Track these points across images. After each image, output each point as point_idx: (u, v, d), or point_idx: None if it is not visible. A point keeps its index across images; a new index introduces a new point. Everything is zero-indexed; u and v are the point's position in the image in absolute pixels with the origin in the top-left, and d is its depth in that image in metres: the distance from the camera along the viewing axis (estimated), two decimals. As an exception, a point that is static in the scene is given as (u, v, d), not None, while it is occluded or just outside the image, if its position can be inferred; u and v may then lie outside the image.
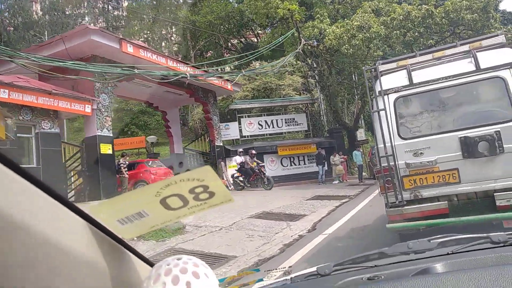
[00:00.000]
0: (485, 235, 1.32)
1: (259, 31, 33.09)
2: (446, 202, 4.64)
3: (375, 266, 1.32)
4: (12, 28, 32.74)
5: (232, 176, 17.12)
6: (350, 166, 20.06)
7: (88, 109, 12.68)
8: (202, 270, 0.73)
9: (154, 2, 35.46)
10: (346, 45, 15.48)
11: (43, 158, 11.55)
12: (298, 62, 20.79)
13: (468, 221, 4.30)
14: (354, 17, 16.09)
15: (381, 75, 5.22)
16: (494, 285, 0.83)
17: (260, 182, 16.35)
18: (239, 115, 21.84)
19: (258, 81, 24.31)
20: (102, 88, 13.41)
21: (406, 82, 4.95)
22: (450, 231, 1.47)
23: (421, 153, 4.75)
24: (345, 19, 17.25)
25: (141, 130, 30.67)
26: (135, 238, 6.81)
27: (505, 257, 1.17)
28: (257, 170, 16.42)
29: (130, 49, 13.23)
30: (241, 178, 16.74)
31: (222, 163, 18.37)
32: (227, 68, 25.08)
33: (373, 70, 5.49)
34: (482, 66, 4.64)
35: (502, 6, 27.61)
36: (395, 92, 4.98)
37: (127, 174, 14.69)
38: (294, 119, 22.64)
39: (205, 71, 15.30)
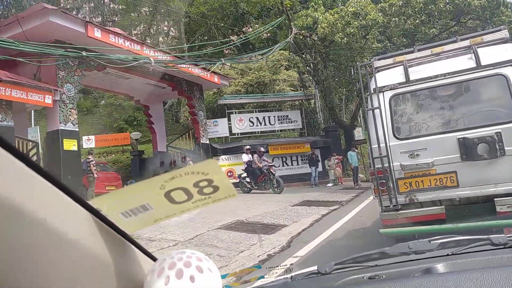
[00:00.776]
0: (485, 237, 1.31)
1: (256, 25, 31.64)
2: (443, 207, 4.46)
3: (376, 265, 1.32)
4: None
5: (239, 176, 15.34)
6: (346, 168, 18.55)
7: (48, 100, 11.27)
8: (206, 264, 0.72)
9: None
10: (340, 34, 13.94)
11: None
12: (296, 57, 19.31)
13: (466, 228, 4.07)
14: (349, 3, 14.55)
15: (377, 72, 5.01)
16: (496, 286, 0.83)
17: (269, 184, 14.50)
18: (228, 111, 20.43)
19: (251, 75, 22.89)
20: (67, 77, 11.99)
21: (403, 79, 4.73)
22: (449, 233, 1.47)
23: (417, 154, 4.54)
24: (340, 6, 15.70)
25: (131, 126, 29.27)
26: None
27: (506, 259, 1.17)
28: (265, 171, 14.53)
29: (97, 33, 11.81)
30: (247, 179, 14.93)
31: (191, 162, 16.77)
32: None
33: (368, 66, 5.30)
34: (483, 63, 4.42)
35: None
36: (390, 89, 4.77)
37: (96, 173, 13.30)
38: (287, 116, 21.19)
39: (177, 57, 13.65)
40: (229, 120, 19.95)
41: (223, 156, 18.09)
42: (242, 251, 6.30)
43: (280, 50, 21.98)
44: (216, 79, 17.43)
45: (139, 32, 33.33)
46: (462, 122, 4.51)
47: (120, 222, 0.69)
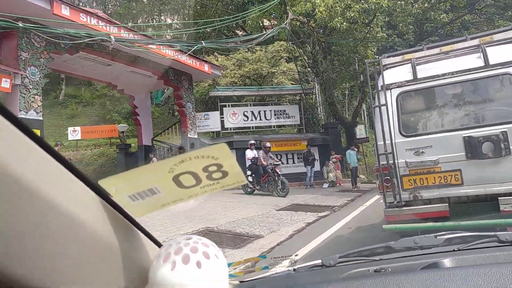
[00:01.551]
0: (492, 233, 1.31)
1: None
2: (447, 204, 4.53)
3: (381, 259, 1.31)
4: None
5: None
6: (346, 168, 17.12)
7: (6, 84, 10.02)
8: (213, 250, 0.72)
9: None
10: (339, 18, 12.47)
11: None
12: (293, 46, 17.83)
13: (469, 226, 3.81)
14: (349, -17, 13.05)
15: (385, 69, 5.04)
16: (504, 282, 0.82)
17: (273, 186, 12.48)
18: (221, 103, 19.07)
19: (248, 67, 21.48)
20: (31, 60, 10.72)
21: (410, 77, 4.80)
22: (453, 230, 1.47)
23: (422, 152, 4.62)
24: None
25: (124, 118, 28.05)
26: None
27: None
28: (269, 170, 12.55)
29: (65, 11, 10.52)
30: (250, 179, 12.89)
31: (154, 158, 15.44)
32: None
33: (375, 63, 5.32)
34: (491, 62, 4.45)
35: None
36: (398, 87, 4.84)
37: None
38: (285, 111, 19.75)
39: (146, 35, 12.19)
40: (221, 113, 18.58)
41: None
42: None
43: (279, 41, 20.66)
44: (206, 68, 16.10)
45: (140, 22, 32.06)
46: (468, 120, 4.54)
47: (127, 205, 0.69)
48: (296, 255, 1.61)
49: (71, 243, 0.54)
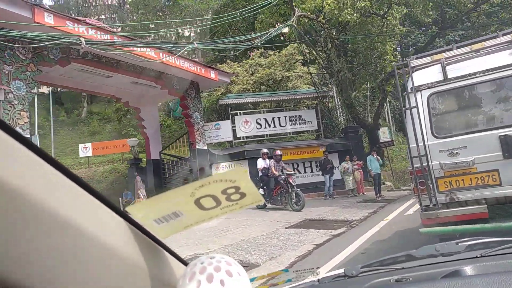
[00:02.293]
0: None
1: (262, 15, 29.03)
2: (486, 206, 4.39)
3: (403, 268, 1.30)
4: None
5: None
6: (368, 175, 15.67)
7: (-14, 100, 9.31)
8: (235, 268, 0.73)
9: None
10: (349, 9, 11.17)
11: None
12: (303, 45, 16.59)
13: (509, 228, 3.45)
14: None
15: (414, 71, 4.98)
16: None
17: (287, 199, 11.23)
18: (233, 112, 18.01)
19: (260, 73, 20.40)
20: (15, 73, 9.99)
21: (440, 78, 4.74)
22: (492, 232, 1.52)
23: (456, 153, 4.53)
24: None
25: (139, 132, 27.44)
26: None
27: None
28: (282, 181, 11.35)
29: (48, 19, 9.76)
30: (261, 191, 11.57)
31: (138, 177, 14.55)
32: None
33: (404, 66, 5.19)
34: None
35: None
36: (428, 88, 4.79)
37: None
38: (301, 116, 18.47)
39: (127, 37, 11.16)
40: (233, 122, 17.51)
41: (223, 164, 15.64)
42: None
43: (292, 43, 19.51)
44: (212, 74, 15.12)
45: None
46: (503, 119, 4.44)
47: (153, 228, 0.71)
48: (318, 268, 1.63)
49: (98, 267, 0.54)
